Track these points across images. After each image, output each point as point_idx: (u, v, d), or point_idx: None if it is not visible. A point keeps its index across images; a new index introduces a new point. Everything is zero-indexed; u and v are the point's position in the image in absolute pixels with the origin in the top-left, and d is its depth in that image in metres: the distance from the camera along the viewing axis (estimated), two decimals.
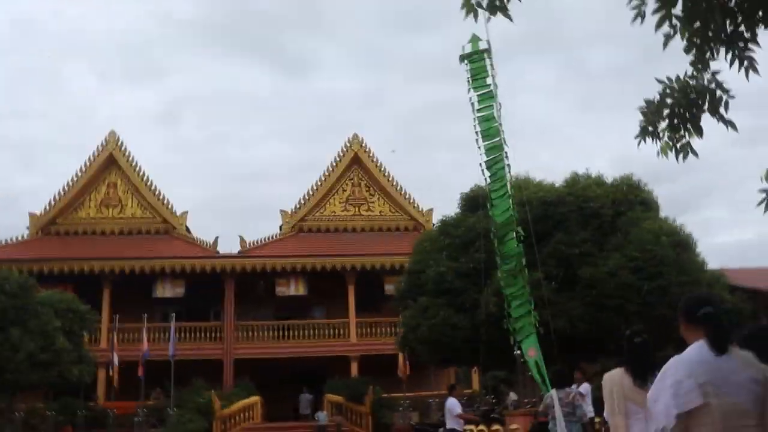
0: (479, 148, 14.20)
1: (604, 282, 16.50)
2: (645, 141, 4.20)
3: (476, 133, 14.23)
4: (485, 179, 14.33)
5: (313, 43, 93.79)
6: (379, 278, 30.88)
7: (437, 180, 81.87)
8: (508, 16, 3.83)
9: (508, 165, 14.12)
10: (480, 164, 14.23)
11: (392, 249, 30.97)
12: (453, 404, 12.74)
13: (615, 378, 4.95)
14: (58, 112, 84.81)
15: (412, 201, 34.51)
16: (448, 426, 12.79)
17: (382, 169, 34.34)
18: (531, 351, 12.94)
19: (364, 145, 34.37)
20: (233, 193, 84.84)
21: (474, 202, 19.63)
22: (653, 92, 4.12)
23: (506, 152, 14.10)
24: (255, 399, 28.00)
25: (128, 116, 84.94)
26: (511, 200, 13.91)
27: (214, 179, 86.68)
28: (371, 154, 34.48)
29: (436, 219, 33.62)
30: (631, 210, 18.03)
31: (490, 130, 14.13)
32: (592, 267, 16.86)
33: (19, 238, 31.75)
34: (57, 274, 28.41)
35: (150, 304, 30.08)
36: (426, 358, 21.24)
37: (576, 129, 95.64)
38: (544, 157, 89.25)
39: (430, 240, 20.09)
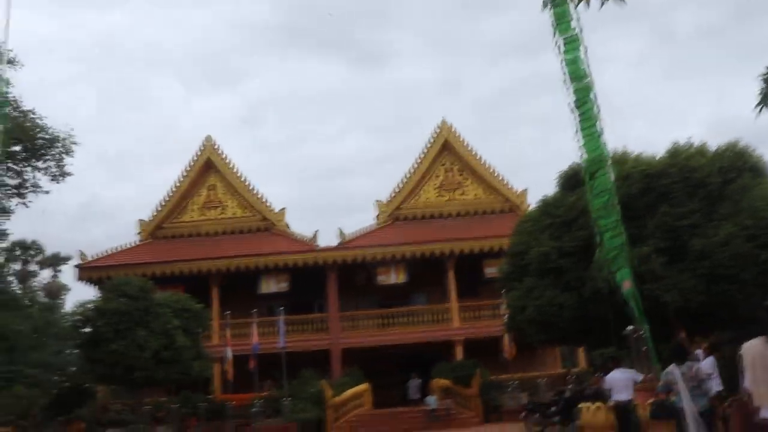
0: (567, 89, 14.24)
1: (716, 252, 15.93)
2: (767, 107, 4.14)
3: (564, 74, 14.23)
4: (575, 118, 14.33)
5: (385, 34, 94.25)
6: (478, 262, 30.92)
7: (524, 159, 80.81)
8: None
9: (597, 105, 14.11)
10: (569, 104, 14.26)
11: (489, 232, 30.93)
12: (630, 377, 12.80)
13: (756, 348, 4.90)
14: (148, 124, 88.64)
15: (505, 183, 34.27)
16: (621, 397, 12.85)
17: (474, 152, 34.23)
18: (626, 283, 12.87)
19: (453, 130, 34.35)
20: (319, 188, 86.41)
21: (573, 180, 19.40)
22: (748, 51, 4.03)
23: (594, 94, 14.07)
24: (364, 386, 28.65)
25: (213, 122, 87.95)
26: (600, 139, 13.88)
27: (299, 177, 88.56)
28: (461, 139, 34.43)
29: (531, 199, 33.38)
30: (740, 177, 17.28)
31: (577, 72, 14.08)
32: (703, 238, 16.30)
33: (130, 244, 33.53)
34: (168, 276, 29.87)
35: (256, 299, 31.16)
36: (533, 338, 21.15)
37: (665, 97, 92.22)
38: (637, 129, 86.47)
39: (531, 220, 19.90)
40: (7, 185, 19.60)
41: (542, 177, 31.10)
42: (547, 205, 19.87)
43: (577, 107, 14.13)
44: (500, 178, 34.26)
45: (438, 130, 34.33)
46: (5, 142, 17.16)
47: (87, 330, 22.83)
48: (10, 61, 23.90)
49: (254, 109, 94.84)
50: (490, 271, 30.99)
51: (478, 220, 33.17)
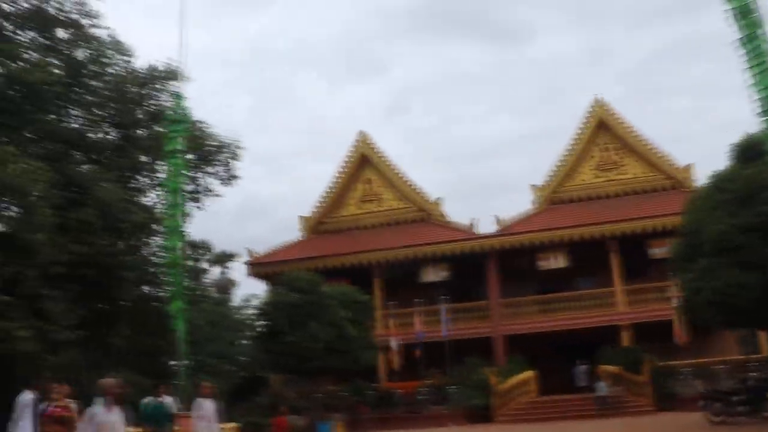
0: (734, 26, 13.46)
1: None
2: None
3: (730, 10, 13.43)
4: (744, 56, 13.49)
5: (525, 11, 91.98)
6: (642, 243, 29.65)
7: (682, 131, 76.24)
8: None
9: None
10: (737, 41, 13.46)
11: (653, 211, 29.58)
12: None
13: None
14: (297, 121, 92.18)
15: (666, 158, 32.55)
16: None
17: (630, 129, 32.76)
18: None
19: (607, 108, 33.07)
20: (468, 172, 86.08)
21: (749, 152, 18.18)
22: None
23: (764, 30, 13.21)
24: (529, 373, 28.37)
25: (359, 113, 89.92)
26: None
27: (448, 162, 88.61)
28: (616, 116, 33.09)
29: (697, 175, 31.55)
30: None
31: (744, 7, 13.27)
32: None
33: (294, 240, 35.16)
34: (331, 269, 31.04)
35: (416, 288, 31.68)
36: (710, 321, 20.04)
37: None
38: None
39: (703, 197, 18.86)
40: (185, 191, 21.21)
41: (705, 150, 29.37)
42: (720, 179, 18.77)
43: (746, 44, 13.37)
44: (660, 153, 32.59)
45: (591, 110, 33.19)
46: (184, 152, 18.57)
47: (262, 323, 24.17)
48: (180, 77, 25.86)
49: (399, 96, 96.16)
50: (656, 251, 29.68)
51: (640, 199, 31.75)
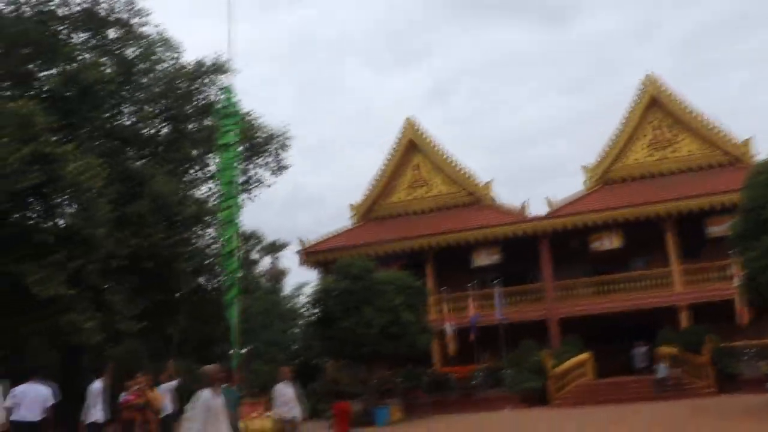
0: None
1: None
2: None
3: None
4: None
5: None
6: (699, 221, 28.97)
7: (738, 105, 74.01)
8: None
9: None
10: None
11: (710, 188, 28.85)
12: None
13: None
14: (342, 110, 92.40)
15: (723, 134, 31.62)
16: None
17: (684, 105, 31.90)
18: None
19: (659, 84, 32.28)
20: (517, 156, 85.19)
21: None
22: None
23: None
24: (585, 355, 28.08)
25: (404, 100, 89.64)
26: None
27: (496, 146, 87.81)
28: (669, 92, 32.27)
29: (756, 149, 30.69)
30: None
31: None
32: None
33: (344, 228, 35.38)
34: (382, 255, 31.15)
35: (468, 273, 31.60)
36: None
37: None
38: None
39: (765, 172, 18.30)
40: (239, 183, 21.50)
41: (764, 124, 28.41)
42: None
43: None
44: (716, 129, 31.67)
45: (643, 86, 32.44)
46: (236, 145, 18.77)
47: (317, 310, 24.42)
48: (228, 70, 26.22)
49: (444, 82, 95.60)
50: (714, 230, 28.98)
51: (696, 176, 30.98)
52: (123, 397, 11.22)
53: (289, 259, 77.74)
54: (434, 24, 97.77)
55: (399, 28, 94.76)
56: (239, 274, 19.30)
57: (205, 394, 6.61)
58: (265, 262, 56.38)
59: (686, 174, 31.44)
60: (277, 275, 58.43)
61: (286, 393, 11.18)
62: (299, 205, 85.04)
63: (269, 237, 54.25)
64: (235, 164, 17.84)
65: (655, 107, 32.34)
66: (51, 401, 9.63)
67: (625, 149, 32.53)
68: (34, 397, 9.46)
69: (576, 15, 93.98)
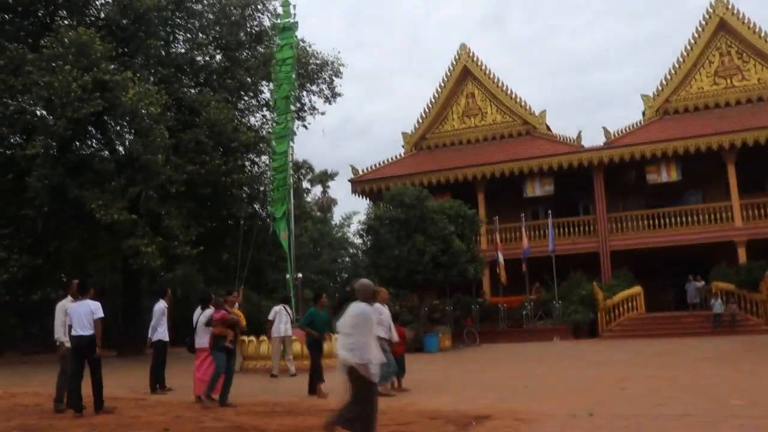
0: None
1: None
2: None
3: None
4: None
5: None
6: (764, 154, 27.97)
7: None
8: None
9: None
10: None
11: None
12: None
13: None
14: (394, 37, 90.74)
15: None
16: None
17: (756, 29, 30.24)
18: None
19: (730, 7, 30.63)
20: (573, 84, 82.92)
21: None
22: None
23: None
24: (637, 289, 27.87)
25: (456, 27, 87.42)
26: None
27: (552, 73, 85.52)
28: (740, 16, 30.60)
29: None
30: None
31: None
32: None
33: (396, 156, 35.25)
34: (434, 184, 31.07)
35: (520, 204, 31.37)
36: None
37: None
38: None
39: None
40: (294, 97, 21.53)
41: None
42: None
43: None
44: None
45: (712, 10, 30.83)
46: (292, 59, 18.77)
47: (369, 238, 24.62)
48: None
49: (497, 7, 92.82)
50: None
51: (763, 107, 29.68)
52: (209, 312, 11.70)
53: (338, 188, 78.46)
54: None
55: None
56: (290, 190, 19.65)
57: (360, 306, 6.51)
58: (316, 192, 56.99)
59: (754, 104, 30.10)
60: (326, 205, 59.12)
61: (384, 315, 11.37)
62: (349, 135, 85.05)
63: (319, 166, 54.56)
64: (291, 78, 18.03)
65: (723, 31, 30.77)
66: (98, 314, 9.81)
67: (688, 77, 31.25)
68: (83, 313, 9.85)
69: None
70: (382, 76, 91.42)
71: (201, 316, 11.88)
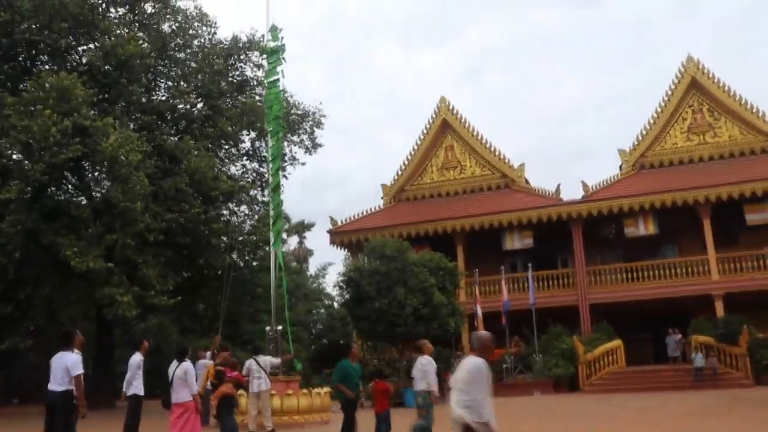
0: None
1: None
2: None
3: None
4: None
5: None
6: (737, 208, 28.43)
7: None
8: None
9: None
10: None
11: (750, 174, 28.26)
12: None
13: None
14: (372, 89, 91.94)
15: (766, 119, 30.81)
16: None
17: (726, 88, 31.12)
18: None
19: (701, 67, 31.53)
20: (548, 138, 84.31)
21: None
22: None
23: None
24: (617, 342, 27.73)
25: (434, 80, 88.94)
26: None
27: (526, 128, 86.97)
28: (710, 75, 31.50)
29: None
30: None
31: None
32: None
33: (374, 208, 35.18)
34: (413, 236, 30.96)
35: (499, 256, 31.33)
36: None
37: None
38: None
39: None
40: (284, 119, 21.40)
41: None
42: None
43: None
44: (759, 113, 30.87)
45: (683, 69, 31.70)
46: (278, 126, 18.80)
47: (348, 289, 24.28)
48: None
49: (474, 62, 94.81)
50: (753, 217, 28.49)
51: (735, 163, 30.29)
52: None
53: (313, 239, 78.00)
54: (464, 3, 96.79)
55: (429, 8, 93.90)
56: (282, 207, 19.39)
57: (475, 360, 6.17)
58: (292, 242, 56.54)
59: (726, 160, 30.74)
60: (303, 255, 58.69)
61: (429, 368, 11.11)
62: (324, 186, 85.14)
63: (295, 217, 54.25)
64: (280, 99, 18.18)
65: (695, 90, 31.60)
66: (75, 371, 8.79)
67: (662, 133, 31.89)
68: (58, 367, 8.99)
69: None
70: (358, 128, 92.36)
71: (178, 369, 11.44)
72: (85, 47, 24.17)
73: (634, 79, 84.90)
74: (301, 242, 58.26)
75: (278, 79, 17.86)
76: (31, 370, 28.43)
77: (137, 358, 12.90)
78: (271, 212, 17.61)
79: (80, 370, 8.79)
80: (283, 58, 17.91)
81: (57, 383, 8.83)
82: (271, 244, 17.57)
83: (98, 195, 22.53)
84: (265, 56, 18.48)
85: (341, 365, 11.39)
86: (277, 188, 18.06)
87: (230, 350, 12.35)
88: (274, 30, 18.18)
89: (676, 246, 31.10)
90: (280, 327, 19.28)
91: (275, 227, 17.45)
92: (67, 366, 8.76)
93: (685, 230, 30.12)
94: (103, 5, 24.70)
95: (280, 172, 24.77)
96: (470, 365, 5.93)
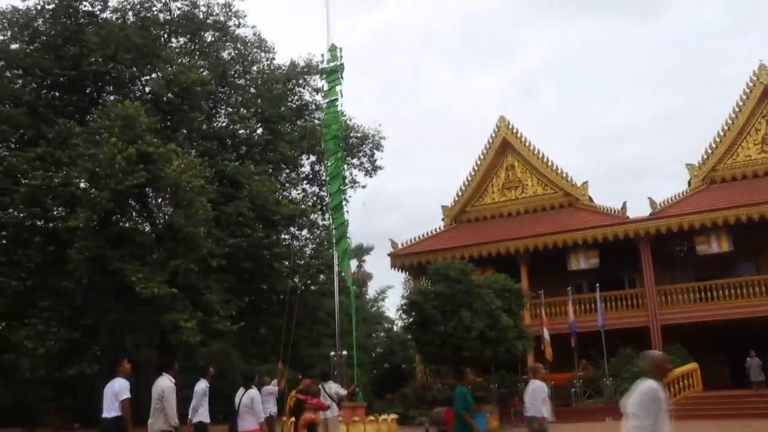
0: None
1: None
2: None
3: None
4: None
5: None
6: None
7: None
8: None
9: None
10: None
11: None
12: None
13: None
14: (423, 111, 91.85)
15: None
16: None
17: None
18: None
19: None
20: (606, 156, 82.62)
21: None
22: None
23: None
24: (692, 366, 26.47)
25: (488, 99, 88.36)
26: None
27: (583, 146, 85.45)
28: None
29: None
30: None
31: None
32: None
33: (436, 230, 34.73)
34: (476, 258, 30.34)
35: (564, 277, 30.43)
36: None
37: None
38: None
39: None
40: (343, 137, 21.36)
41: None
42: None
43: None
44: None
45: (756, 78, 30.43)
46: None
47: (412, 313, 23.86)
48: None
49: (528, 80, 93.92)
50: None
51: None
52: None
53: (371, 262, 77.88)
54: (515, 22, 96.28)
55: (480, 28, 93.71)
56: (347, 226, 19.19)
57: (649, 384, 5.75)
58: (352, 265, 56.46)
59: None
60: (362, 279, 58.54)
61: (541, 392, 10.76)
62: (380, 209, 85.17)
63: (353, 240, 54.15)
64: (339, 118, 18.18)
65: None
66: (122, 396, 8.95)
67: (734, 145, 30.59)
68: (109, 393, 9.10)
69: (666, 7, 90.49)
70: (411, 149, 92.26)
71: (244, 396, 11.20)
72: (148, 77, 24.66)
73: (693, 95, 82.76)
74: (360, 266, 58.11)
75: (337, 99, 17.90)
76: (96, 396, 28.78)
77: (203, 384, 12.71)
78: (334, 232, 17.45)
79: (126, 395, 8.97)
80: (342, 77, 17.94)
81: (108, 410, 9.07)
82: (335, 264, 17.33)
83: (161, 221, 22.81)
84: (324, 76, 18.45)
85: (461, 393, 10.16)
86: (338, 207, 17.93)
87: (312, 378, 12.08)
88: (333, 49, 18.22)
89: (753, 264, 29.63)
90: (345, 352, 19.02)
91: (340, 246, 17.24)
92: (114, 391, 8.93)
93: (763, 247, 28.71)
94: (165, 36, 25.21)
95: (342, 194, 24.76)
96: (643, 389, 5.45)
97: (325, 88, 18.36)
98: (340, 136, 17.86)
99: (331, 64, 18.11)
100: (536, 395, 11.16)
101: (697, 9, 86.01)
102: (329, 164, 18.01)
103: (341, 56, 18.05)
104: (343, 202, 18.52)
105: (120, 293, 21.93)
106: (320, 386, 15.50)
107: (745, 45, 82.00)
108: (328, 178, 18.76)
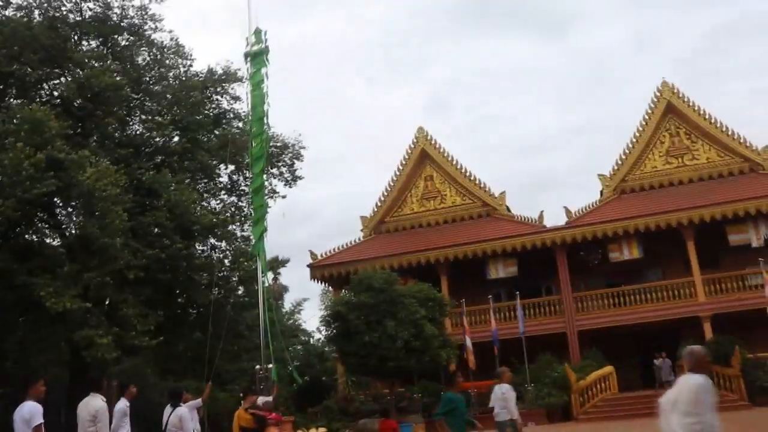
0: None
1: None
2: None
3: None
4: None
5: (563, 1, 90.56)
6: (719, 230, 28.41)
7: (749, 113, 73.95)
8: None
9: None
10: None
11: (731, 195, 28.33)
12: None
13: None
14: (338, 123, 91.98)
15: (741, 141, 31.09)
16: None
17: (703, 112, 31.42)
18: None
19: (676, 91, 31.82)
20: (518, 169, 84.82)
21: None
22: None
23: None
24: (608, 369, 27.29)
25: (401, 112, 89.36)
26: None
27: (496, 159, 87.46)
28: (685, 99, 31.80)
29: None
30: None
31: None
32: None
33: (355, 240, 34.53)
34: (396, 268, 30.27)
35: (483, 286, 30.86)
36: None
37: None
38: None
39: None
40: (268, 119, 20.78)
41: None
42: None
43: None
44: (735, 136, 31.13)
45: (659, 94, 31.95)
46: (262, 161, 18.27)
47: (335, 325, 23.53)
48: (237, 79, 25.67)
49: (440, 95, 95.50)
50: (735, 238, 28.48)
51: (715, 184, 30.39)
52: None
53: (286, 274, 76.84)
54: (430, 38, 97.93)
55: (395, 42, 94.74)
56: (267, 211, 18.67)
57: (697, 379, 5.44)
58: (268, 277, 55.46)
59: (705, 182, 30.83)
60: (278, 291, 57.61)
61: (510, 396, 10.60)
62: (293, 220, 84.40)
63: (268, 253, 53.16)
64: (265, 100, 17.73)
65: (672, 114, 31.83)
66: (37, 421, 7.81)
67: (641, 157, 31.95)
68: (18, 419, 8.14)
69: (573, 27, 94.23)
70: (331, 161, 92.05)
71: (172, 415, 10.65)
72: (57, 80, 23.43)
73: (600, 109, 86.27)
74: (276, 278, 57.19)
75: (262, 81, 17.53)
76: (3, 421, 27.00)
77: (123, 404, 11.93)
78: (252, 214, 16.98)
79: (39, 420, 7.93)
80: (267, 60, 17.58)
81: None
82: (259, 274, 16.85)
83: (73, 231, 21.62)
84: (249, 59, 17.99)
85: (447, 397, 9.59)
86: (259, 189, 17.53)
87: (249, 396, 11.58)
88: (258, 32, 17.87)
89: (659, 269, 30.92)
90: (270, 365, 18.46)
91: (257, 229, 16.80)
92: (24, 418, 7.95)
93: (669, 253, 29.98)
94: (76, 37, 24.03)
95: (263, 179, 24.19)
96: (694, 384, 5.28)
97: (251, 71, 17.93)
98: (265, 118, 17.50)
99: (256, 48, 17.72)
100: (508, 398, 11.25)
101: (598, 29, 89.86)
102: (254, 145, 17.61)
103: (266, 39, 17.72)
104: (264, 189, 18.05)
105: (27, 309, 20.61)
106: None
107: (648, 63, 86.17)
108: (251, 161, 18.30)
